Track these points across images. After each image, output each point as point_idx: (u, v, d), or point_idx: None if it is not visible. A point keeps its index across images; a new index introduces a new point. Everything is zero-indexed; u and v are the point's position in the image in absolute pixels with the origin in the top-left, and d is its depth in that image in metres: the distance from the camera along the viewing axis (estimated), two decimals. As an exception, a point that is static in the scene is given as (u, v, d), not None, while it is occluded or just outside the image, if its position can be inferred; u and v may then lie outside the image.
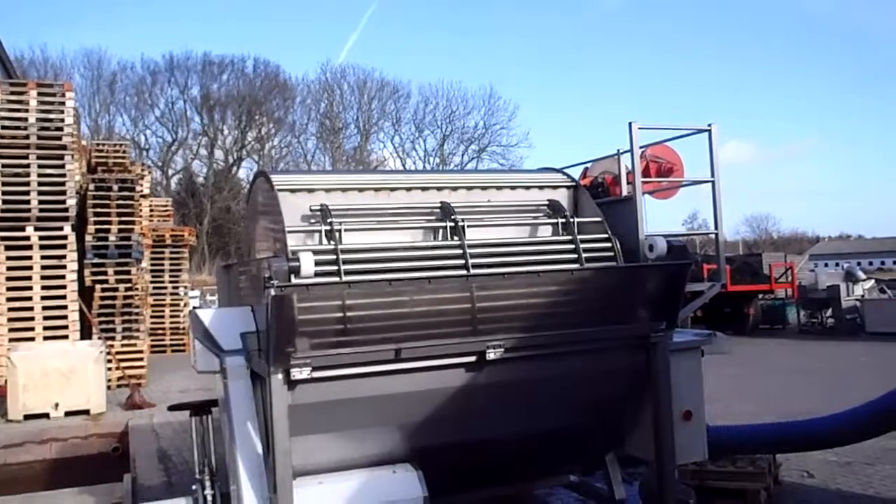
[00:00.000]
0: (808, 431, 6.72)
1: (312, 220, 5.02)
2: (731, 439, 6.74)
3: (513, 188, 5.78)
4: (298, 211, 5.05)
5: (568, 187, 5.88)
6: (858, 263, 35.11)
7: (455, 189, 5.59)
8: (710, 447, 5.66)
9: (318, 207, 5.01)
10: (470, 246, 4.98)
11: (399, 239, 5.10)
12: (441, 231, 5.17)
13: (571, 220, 5.43)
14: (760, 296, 27.10)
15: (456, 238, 5.05)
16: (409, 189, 5.49)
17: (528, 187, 5.82)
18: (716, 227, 6.02)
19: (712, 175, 5.93)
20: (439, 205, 5.33)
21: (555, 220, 5.51)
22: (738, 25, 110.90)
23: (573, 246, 5.29)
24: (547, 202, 5.71)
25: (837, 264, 43.32)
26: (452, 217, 5.13)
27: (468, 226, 5.16)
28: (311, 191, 5.20)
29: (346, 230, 4.94)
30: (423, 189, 5.52)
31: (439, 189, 5.54)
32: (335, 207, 5.04)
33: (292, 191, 5.12)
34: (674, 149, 9.06)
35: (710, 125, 5.92)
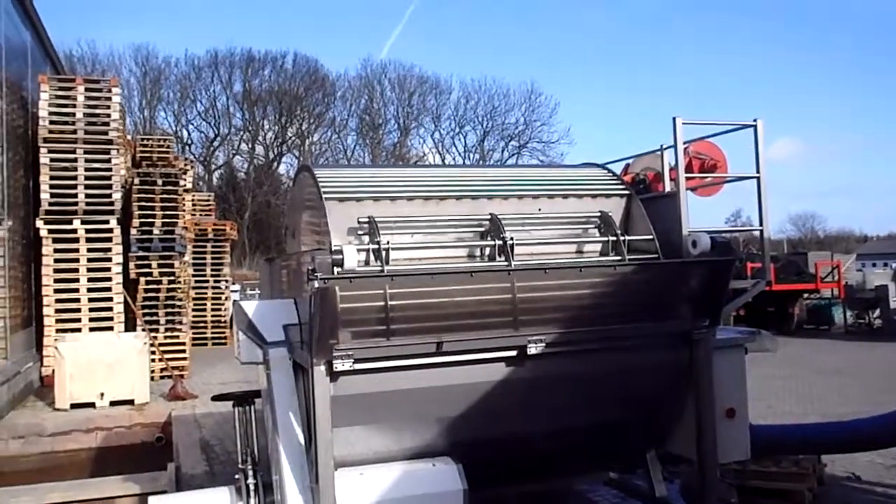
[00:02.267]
0: (853, 432, 6.60)
1: (360, 232, 4.90)
2: (774, 439, 6.64)
3: (565, 196, 5.59)
4: (344, 214, 4.94)
5: (621, 196, 5.68)
6: (907, 263, 34.37)
7: (506, 198, 5.41)
8: (754, 446, 5.59)
9: (366, 220, 4.87)
10: (516, 268, 4.83)
11: (445, 255, 5.05)
12: (489, 249, 5.06)
13: (622, 238, 5.27)
14: (805, 295, 26.64)
15: (503, 258, 4.94)
16: (458, 198, 5.31)
17: (580, 196, 5.62)
18: (760, 224, 5.93)
19: (758, 171, 5.83)
20: (489, 217, 5.16)
21: (605, 238, 5.35)
22: (785, 20, 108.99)
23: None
24: (598, 214, 5.48)
25: (886, 264, 42.33)
26: (501, 236, 4.97)
27: (517, 242, 5.01)
28: (359, 199, 5.05)
29: (393, 248, 4.79)
30: (474, 198, 5.34)
31: (490, 198, 5.36)
32: (382, 220, 4.89)
33: (340, 200, 4.97)
34: (718, 145, 8.97)
35: (755, 120, 5.83)
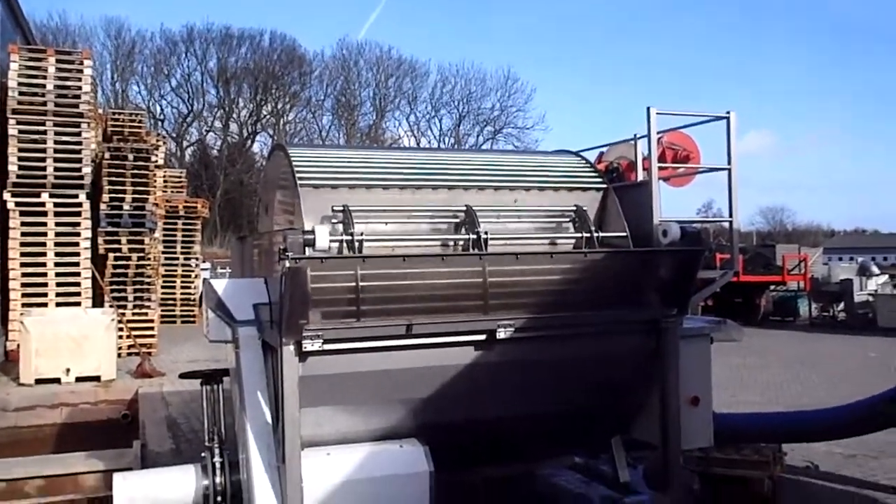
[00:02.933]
0: (813, 422, 6.73)
1: (334, 220, 4.84)
2: (737, 427, 6.75)
3: (541, 189, 5.58)
4: (318, 200, 4.88)
5: (598, 189, 5.68)
6: (873, 258, 34.87)
7: (482, 189, 5.39)
8: (716, 434, 5.67)
9: (340, 208, 4.83)
10: (488, 253, 4.85)
11: (419, 245, 5.02)
12: (463, 242, 5.05)
13: (595, 234, 5.32)
14: (772, 287, 27.02)
15: (476, 251, 4.92)
16: (435, 188, 5.27)
17: (556, 189, 5.62)
18: (730, 215, 6.00)
19: (729, 163, 5.89)
20: (465, 209, 5.14)
21: (579, 234, 5.36)
22: (759, 16, 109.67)
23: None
24: (574, 208, 5.49)
25: (852, 258, 42.99)
26: (476, 230, 4.96)
27: (491, 237, 4.99)
28: (334, 187, 5.00)
29: (366, 239, 4.77)
30: (450, 188, 5.30)
31: (466, 188, 5.33)
32: (356, 208, 4.86)
33: (315, 186, 4.92)
34: (691, 137, 9.04)
35: (728, 112, 5.88)
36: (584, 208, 5.48)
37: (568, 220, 5.53)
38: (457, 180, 5.37)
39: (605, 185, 5.69)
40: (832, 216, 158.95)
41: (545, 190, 5.59)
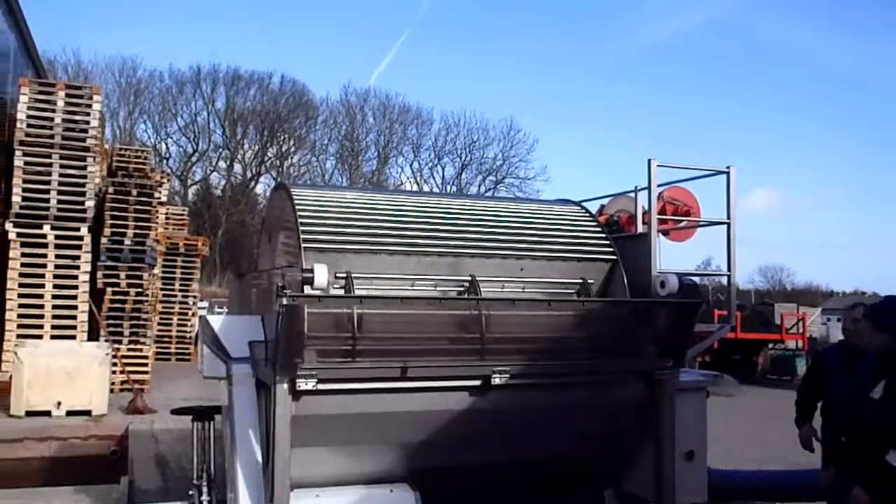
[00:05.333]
0: (807, 481, 6.65)
1: (336, 286, 4.79)
2: (731, 483, 6.69)
3: (549, 259, 5.54)
4: (322, 258, 4.79)
5: (606, 261, 5.66)
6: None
7: (489, 257, 5.35)
8: (711, 490, 5.61)
9: (344, 275, 4.82)
10: (485, 298, 4.87)
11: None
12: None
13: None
14: (770, 345, 26.92)
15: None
16: (441, 255, 5.22)
17: (565, 259, 5.58)
18: (728, 269, 6.02)
19: (728, 217, 5.94)
20: (469, 279, 5.12)
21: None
22: (764, 74, 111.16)
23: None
24: (580, 283, 5.46)
25: (850, 319, 43.06)
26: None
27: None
28: (339, 251, 4.95)
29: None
30: (456, 256, 5.25)
31: (472, 257, 5.29)
32: (359, 276, 4.85)
33: (320, 251, 4.86)
34: (692, 192, 9.10)
35: (728, 167, 5.95)
36: (590, 281, 5.47)
37: (573, 291, 5.50)
38: (463, 247, 5.31)
39: (614, 258, 5.62)
40: (831, 277, 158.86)
41: (553, 260, 5.55)
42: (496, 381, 4.64)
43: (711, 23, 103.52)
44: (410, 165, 68.75)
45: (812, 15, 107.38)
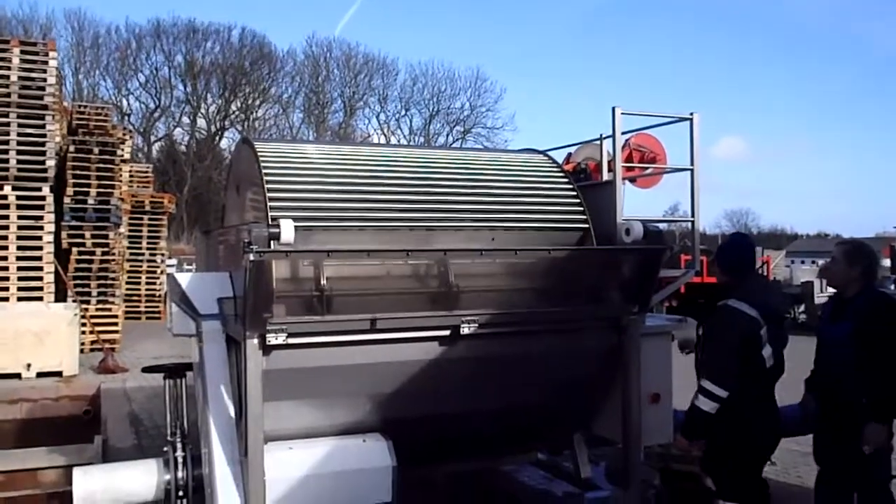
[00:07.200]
0: (787, 416, 6.83)
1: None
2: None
3: (521, 231, 5.42)
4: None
5: (578, 230, 5.57)
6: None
7: (459, 230, 5.21)
8: (676, 431, 5.76)
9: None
10: (452, 249, 4.84)
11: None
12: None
13: None
14: (735, 288, 27.31)
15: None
16: (412, 229, 5.07)
17: (540, 229, 5.47)
18: (693, 215, 6.10)
19: (692, 163, 5.99)
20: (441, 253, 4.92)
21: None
22: (735, 24, 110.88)
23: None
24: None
25: (814, 261, 43.83)
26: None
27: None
28: (308, 228, 4.72)
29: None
30: (428, 229, 5.10)
31: (444, 230, 5.16)
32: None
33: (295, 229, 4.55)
34: (658, 139, 9.15)
35: (692, 114, 5.98)
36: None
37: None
38: (434, 221, 5.19)
39: (586, 226, 5.55)
40: (796, 220, 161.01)
41: (525, 230, 5.47)
42: (465, 330, 4.68)
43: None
44: (377, 117, 68.22)
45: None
